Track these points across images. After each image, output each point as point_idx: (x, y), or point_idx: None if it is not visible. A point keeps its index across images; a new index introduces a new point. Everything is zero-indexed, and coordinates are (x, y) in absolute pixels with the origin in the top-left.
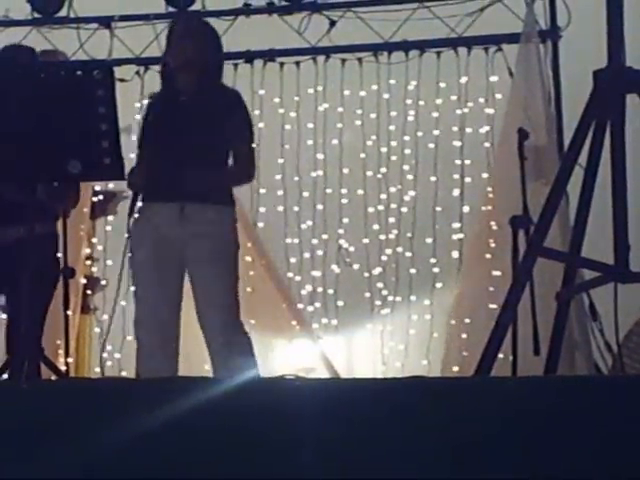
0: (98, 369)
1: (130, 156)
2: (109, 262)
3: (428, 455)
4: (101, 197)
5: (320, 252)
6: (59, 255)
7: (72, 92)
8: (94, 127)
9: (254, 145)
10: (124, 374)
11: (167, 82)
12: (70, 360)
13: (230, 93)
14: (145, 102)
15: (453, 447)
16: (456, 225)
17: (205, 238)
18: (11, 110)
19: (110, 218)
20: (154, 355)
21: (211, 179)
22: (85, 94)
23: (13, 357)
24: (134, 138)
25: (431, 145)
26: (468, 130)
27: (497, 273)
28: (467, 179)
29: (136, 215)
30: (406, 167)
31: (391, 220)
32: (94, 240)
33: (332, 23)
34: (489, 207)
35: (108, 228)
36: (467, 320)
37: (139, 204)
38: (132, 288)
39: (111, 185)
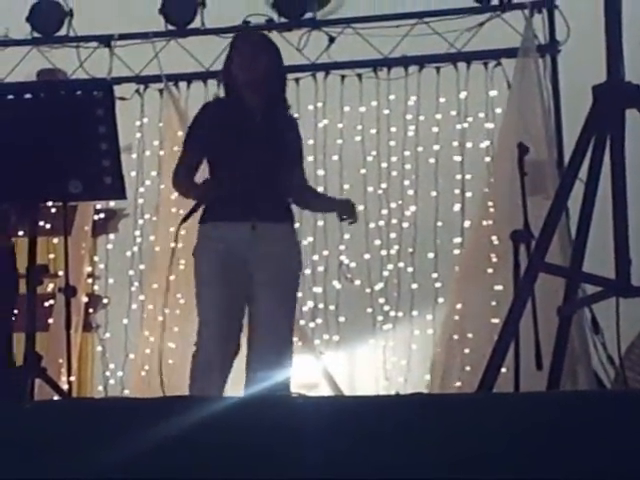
0: (101, 387)
1: (131, 174)
2: (111, 280)
3: (431, 472)
4: (102, 215)
5: (321, 268)
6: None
7: (72, 111)
8: (94, 146)
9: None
10: (126, 392)
11: (232, 93)
12: (72, 379)
13: (292, 119)
14: (145, 121)
15: (456, 463)
16: (457, 240)
17: (275, 258)
18: (11, 131)
19: (111, 236)
20: (210, 375)
21: (279, 207)
22: (85, 113)
23: None
24: (134, 156)
25: (431, 160)
26: (468, 145)
27: (499, 287)
28: (468, 194)
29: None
30: (407, 182)
31: (392, 235)
32: (96, 258)
33: (331, 39)
34: (490, 221)
35: (109, 246)
36: (469, 335)
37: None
38: (144, 315)
39: (112, 203)
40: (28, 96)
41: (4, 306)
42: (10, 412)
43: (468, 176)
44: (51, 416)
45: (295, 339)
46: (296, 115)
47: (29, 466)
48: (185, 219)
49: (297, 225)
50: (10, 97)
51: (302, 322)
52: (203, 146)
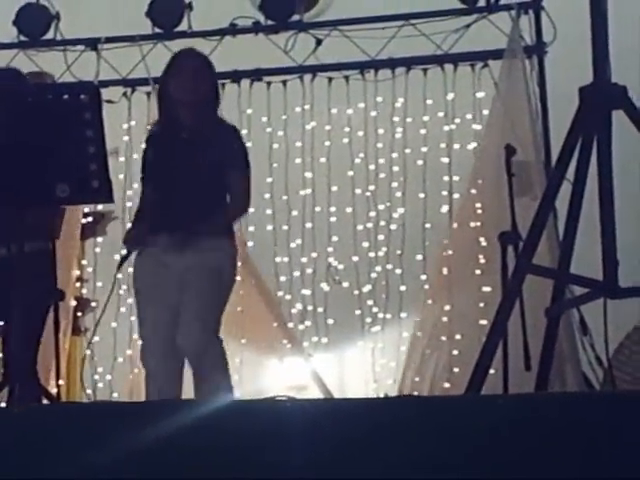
0: (90, 391)
1: (119, 177)
2: (99, 284)
3: (421, 474)
4: (90, 219)
5: (310, 270)
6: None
7: (59, 115)
8: (82, 150)
9: (250, 177)
10: (115, 395)
11: (166, 112)
12: (61, 382)
13: (228, 128)
14: (132, 123)
15: (445, 465)
16: (445, 241)
17: (200, 269)
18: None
19: (99, 239)
20: (160, 380)
21: (212, 219)
22: (72, 117)
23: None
24: (122, 159)
25: (419, 162)
26: (456, 146)
27: (487, 289)
28: (456, 195)
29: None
30: (394, 184)
31: (380, 237)
32: (84, 262)
33: (318, 42)
34: (477, 223)
35: (97, 249)
36: (457, 336)
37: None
38: (132, 317)
39: (100, 207)
40: (15, 100)
41: (36, 309)
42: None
43: (456, 178)
44: (40, 420)
45: (284, 341)
46: (284, 117)
47: (18, 470)
48: (120, 265)
49: (285, 228)
50: None
51: (291, 324)
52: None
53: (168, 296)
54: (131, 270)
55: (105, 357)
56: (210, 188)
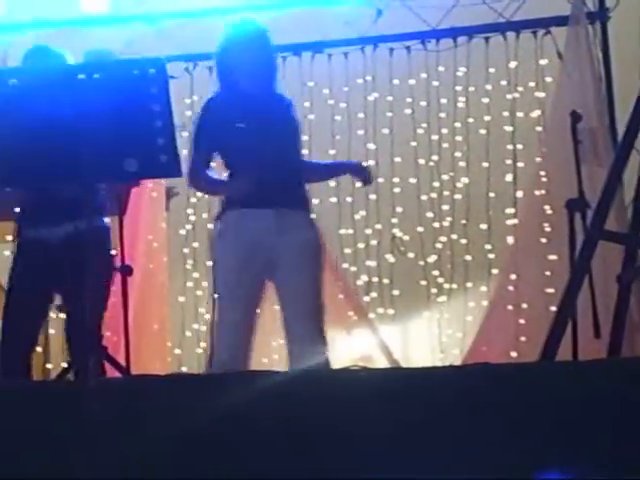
0: (158, 365)
1: (183, 152)
2: (164, 258)
3: (495, 441)
4: (155, 194)
5: (374, 242)
6: (113, 251)
7: (126, 90)
8: (149, 125)
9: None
10: (184, 369)
11: (227, 85)
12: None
13: (288, 101)
14: (195, 98)
15: (516, 432)
16: (510, 210)
17: (298, 244)
18: (68, 110)
19: (164, 214)
20: (228, 357)
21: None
22: (139, 92)
23: (77, 357)
24: (185, 134)
25: (482, 131)
26: (519, 115)
27: (553, 257)
28: (519, 164)
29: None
30: (458, 154)
31: (444, 207)
32: (149, 237)
33: (379, 12)
34: (542, 191)
35: (163, 225)
36: (524, 305)
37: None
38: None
39: (163, 182)
40: (82, 77)
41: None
42: (75, 391)
43: (519, 146)
44: (115, 393)
45: (350, 313)
46: (345, 89)
47: (95, 442)
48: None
49: (349, 200)
50: (64, 78)
51: (356, 296)
52: (214, 145)
53: (253, 280)
54: (196, 244)
55: (174, 331)
56: (290, 160)
